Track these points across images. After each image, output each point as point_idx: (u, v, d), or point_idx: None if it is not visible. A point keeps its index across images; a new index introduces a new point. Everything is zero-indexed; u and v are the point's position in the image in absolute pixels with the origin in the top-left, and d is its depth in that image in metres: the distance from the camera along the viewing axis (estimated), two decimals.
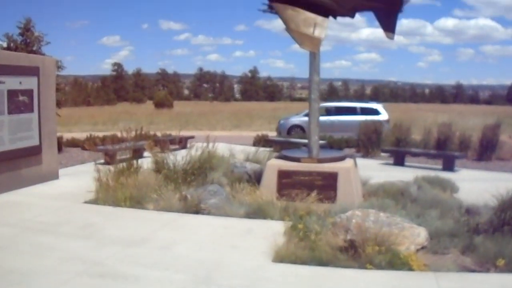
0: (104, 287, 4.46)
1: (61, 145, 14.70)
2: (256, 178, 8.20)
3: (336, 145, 16.10)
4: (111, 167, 8.49)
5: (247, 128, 28.44)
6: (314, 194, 7.14)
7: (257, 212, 6.90)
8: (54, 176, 10.01)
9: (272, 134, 20.17)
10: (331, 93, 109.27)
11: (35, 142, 9.38)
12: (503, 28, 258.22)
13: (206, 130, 24.08)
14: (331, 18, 7.65)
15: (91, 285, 4.49)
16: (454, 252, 5.30)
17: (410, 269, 4.83)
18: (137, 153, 11.49)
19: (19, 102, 8.87)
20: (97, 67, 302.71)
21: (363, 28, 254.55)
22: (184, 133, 17.84)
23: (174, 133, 18.09)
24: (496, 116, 16.45)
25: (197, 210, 7.14)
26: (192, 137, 16.39)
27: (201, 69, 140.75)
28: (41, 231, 6.20)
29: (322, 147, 9.43)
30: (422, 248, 5.32)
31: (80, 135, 19.12)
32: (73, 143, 16.65)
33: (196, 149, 8.75)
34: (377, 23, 7.74)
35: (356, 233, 5.21)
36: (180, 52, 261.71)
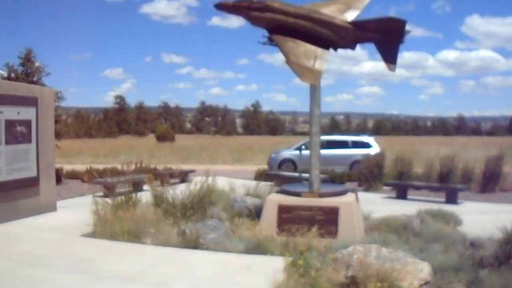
0: None
1: (61, 176, 14.67)
2: (256, 213, 8.10)
3: (338, 179, 16.05)
4: (110, 200, 8.41)
5: (249, 162, 28.38)
6: (314, 229, 7.02)
7: (257, 248, 6.76)
8: (52, 208, 9.91)
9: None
10: (333, 127, 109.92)
11: (32, 173, 9.32)
12: (504, 59, 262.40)
13: (208, 164, 24.04)
14: (331, 50, 7.68)
15: None
16: (459, 287, 5.19)
17: None
18: (137, 186, 11.43)
19: (17, 133, 8.86)
20: (100, 99, 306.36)
21: (365, 62, 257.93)
22: (185, 166, 17.83)
23: (175, 166, 18.07)
24: (498, 147, 16.38)
25: (195, 245, 7.00)
26: (192, 171, 16.34)
27: (203, 103, 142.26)
28: (35, 264, 6.08)
29: (323, 181, 9.33)
30: (426, 283, 5.19)
31: (81, 167, 19.11)
32: (73, 175, 16.64)
33: (195, 183, 8.67)
34: (378, 56, 7.74)
35: (358, 269, 5.08)
36: (182, 86, 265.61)
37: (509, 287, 4.84)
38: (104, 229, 7.73)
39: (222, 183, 10.01)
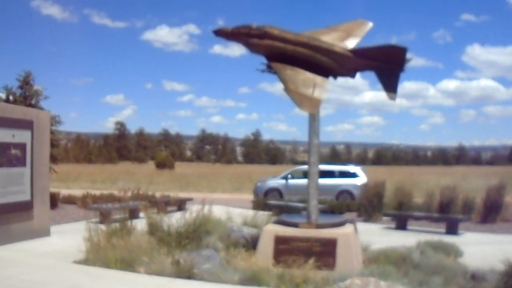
0: None
1: (57, 201, 14.54)
2: (253, 243, 7.92)
3: (337, 209, 15.87)
4: (104, 227, 8.31)
5: (248, 191, 28.21)
6: (312, 260, 6.84)
7: (252, 279, 6.59)
8: (46, 232, 9.79)
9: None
10: (334, 156, 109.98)
11: (26, 197, 9.23)
12: (504, 88, 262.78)
13: (206, 192, 23.90)
14: (331, 78, 7.63)
15: None
16: None
17: None
18: (133, 214, 11.31)
19: (11, 156, 8.79)
20: (100, 125, 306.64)
21: (366, 91, 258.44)
22: (184, 194, 17.72)
23: (173, 194, 17.93)
24: (499, 177, 16.29)
25: (189, 275, 6.84)
26: (190, 199, 16.19)
27: (203, 131, 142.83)
28: None
29: (322, 211, 9.20)
30: None
31: (78, 192, 18.96)
32: (70, 200, 16.48)
33: (190, 212, 8.53)
34: (379, 85, 7.67)
35: None
36: (183, 113, 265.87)
37: None
38: (97, 256, 7.59)
39: (219, 211, 9.87)
